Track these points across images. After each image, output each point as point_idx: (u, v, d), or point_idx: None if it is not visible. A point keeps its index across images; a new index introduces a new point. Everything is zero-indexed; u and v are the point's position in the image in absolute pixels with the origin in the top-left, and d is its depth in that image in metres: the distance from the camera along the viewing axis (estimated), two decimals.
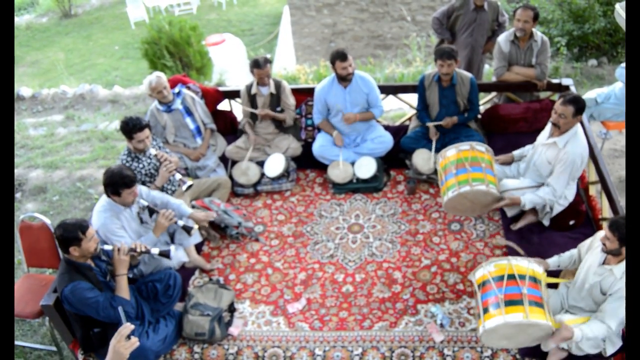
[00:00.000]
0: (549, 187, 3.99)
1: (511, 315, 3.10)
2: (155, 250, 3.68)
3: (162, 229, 4.00)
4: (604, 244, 3.19)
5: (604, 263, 3.27)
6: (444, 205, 4.05)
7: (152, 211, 4.10)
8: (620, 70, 5.40)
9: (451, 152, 4.13)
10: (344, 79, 4.94)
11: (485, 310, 3.22)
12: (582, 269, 3.40)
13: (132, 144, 4.37)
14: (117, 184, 3.79)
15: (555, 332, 3.14)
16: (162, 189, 4.49)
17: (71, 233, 3.31)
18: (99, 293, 3.39)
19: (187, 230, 4.09)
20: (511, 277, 3.23)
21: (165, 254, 3.70)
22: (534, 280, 3.26)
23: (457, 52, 4.83)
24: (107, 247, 3.54)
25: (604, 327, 3.14)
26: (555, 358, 3.38)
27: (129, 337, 2.55)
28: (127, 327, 2.57)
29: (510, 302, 3.14)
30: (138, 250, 3.58)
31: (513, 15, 5.04)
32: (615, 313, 3.13)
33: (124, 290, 3.49)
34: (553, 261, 3.60)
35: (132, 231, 4.00)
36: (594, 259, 3.34)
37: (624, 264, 3.16)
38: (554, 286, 3.68)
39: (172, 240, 4.29)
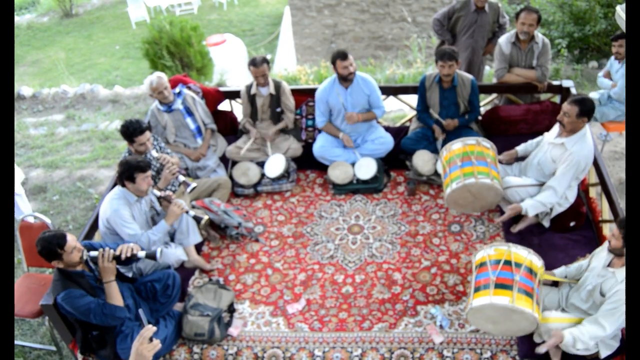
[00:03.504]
0: (549, 190, 3.98)
1: (498, 297, 3.18)
2: (142, 254, 3.57)
3: (174, 217, 4.03)
4: (609, 242, 3.22)
5: (608, 265, 3.29)
6: (446, 197, 4.05)
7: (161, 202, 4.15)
8: (600, 79, 5.53)
9: (457, 145, 4.14)
10: (345, 79, 4.94)
11: (476, 290, 3.32)
12: (587, 271, 3.43)
13: (134, 147, 4.36)
14: (132, 167, 3.83)
15: (547, 337, 3.22)
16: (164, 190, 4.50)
17: (49, 249, 3.25)
18: (92, 299, 3.36)
19: (198, 220, 4.11)
20: (507, 262, 3.32)
21: (151, 256, 3.59)
22: (530, 271, 3.31)
23: (458, 53, 4.83)
24: (93, 254, 3.45)
25: (600, 329, 3.15)
26: (555, 356, 3.39)
27: (151, 339, 2.56)
28: (149, 329, 2.57)
29: (501, 286, 3.23)
30: (123, 256, 3.48)
31: (516, 17, 5.03)
32: (612, 315, 3.14)
33: (114, 297, 3.43)
34: (560, 272, 3.62)
35: (140, 226, 4.02)
36: (599, 261, 3.37)
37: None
38: (555, 284, 3.69)
39: (172, 240, 4.29)
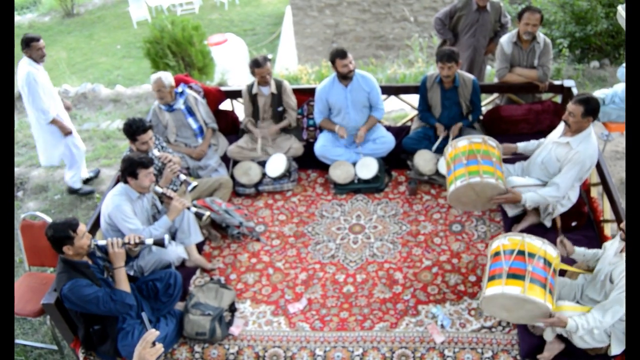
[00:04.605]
0: (552, 186, 3.98)
1: (510, 287, 3.20)
2: (149, 241, 3.69)
3: (176, 212, 4.05)
4: (623, 230, 3.22)
5: (621, 252, 3.28)
6: (449, 194, 4.04)
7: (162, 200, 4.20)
8: (622, 70, 5.40)
9: (462, 143, 4.12)
10: (345, 77, 4.94)
11: (490, 279, 3.34)
12: (601, 261, 3.43)
13: (136, 145, 4.38)
14: (135, 163, 3.87)
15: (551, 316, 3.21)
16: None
17: (62, 232, 3.31)
18: (98, 288, 3.39)
19: (199, 216, 4.13)
20: (521, 253, 3.32)
21: (159, 243, 3.69)
22: (544, 261, 3.30)
23: (459, 54, 4.81)
24: (102, 242, 3.56)
25: (606, 316, 3.12)
26: (551, 349, 3.38)
27: (153, 343, 2.57)
28: (152, 333, 2.58)
29: (513, 276, 3.24)
30: (132, 242, 3.59)
31: (518, 17, 5.02)
32: (620, 301, 3.09)
33: (123, 282, 3.50)
34: (579, 250, 3.59)
35: (141, 222, 4.04)
36: (611, 250, 3.37)
37: None
38: (569, 276, 3.71)
39: (174, 239, 4.29)
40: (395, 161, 5.22)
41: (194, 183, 4.36)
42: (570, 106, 3.90)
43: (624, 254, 3.23)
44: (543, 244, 3.38)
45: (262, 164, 5.20)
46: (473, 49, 5.79)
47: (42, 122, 5.47)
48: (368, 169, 5.03)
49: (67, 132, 5.61)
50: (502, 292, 3.20)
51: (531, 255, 3.31)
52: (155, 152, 4.47)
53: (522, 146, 4.41)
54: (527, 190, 4.08)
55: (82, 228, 3.40)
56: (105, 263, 3.60)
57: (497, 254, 3.41)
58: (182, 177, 4.42)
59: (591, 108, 3.84)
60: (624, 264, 3.16)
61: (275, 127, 5.29)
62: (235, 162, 5.30)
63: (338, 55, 4.88)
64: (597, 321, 3.12)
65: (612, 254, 3.33)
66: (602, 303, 3.19)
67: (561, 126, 4.10)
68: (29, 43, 5.35)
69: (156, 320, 3.75)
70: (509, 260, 3.30)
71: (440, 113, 5.04)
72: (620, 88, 5.32)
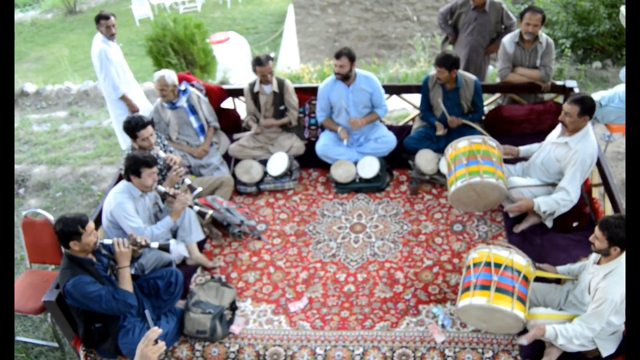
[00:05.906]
0: (562, 191, 3.98)
1: (476, 297, 3.30)
2: (154, 244, 3.69)
3: (178, 213, 4.07)
4: (593, 244, 3.24)
5: (598, 263, 3.31)
6: (450, 195, 4.05)
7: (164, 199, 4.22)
8: (624, 71, 5.40)
9: (463, 144, 4.14)
10: (345, 77, 4.94)
11: (462, 292, 3.44)
12: (586, 268, 3.46)
13: (137, 142, 4.37)
14: (139, 162, 3.89)
15: (530, 328, 3.26)
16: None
17: (71, 227, 3.31)
18: (101, 286, 3.39)
19: (202, 215, 4.14)
20: (487, 264, 3.41)
21: (164, 248, 3.71)
22: (512, 270, 3.37)
23: (456, 60, 4.72)
24: (107, 242, 3.56)
25: (586, 329, 3.17)
26: (550, 353, 3.39)
27: (156, 341, 2.58)
28: (154, 331, 2.59)
29: (481, 287, 3.34)
30: (137, 244, 3.60)
31: (520, 17, 5.03)
32: (597, 314, 3.14)
33: (127, 282, 3.51)
34: (562, 269, 3.65)
35: (143, 221, 4.04)
36: (591, 259, 3.42)
37: (609, 264, 3.20)
38: (557, 282, 3.73)
39: (175, 237, 4.30)
40: (397, 160, 5.21)
41: (199, 189, 4.35)
42: (566, 106, 3.90)
43: (601, 266, 3.25)
44: (510, 254, 3.44)
45: (264, 162, 5.20)
46: (470, 47, 5.78)
47: (112, 97, 5.70)
48: (369, 168, 5.03)
49: (134, 110, 5.78)
50: (469, 304, 3.30)
51: (497, 265, 3.38)
52: (161, 154, 4.47)
53: (523, 150, 4.41)
54: (528, 192, 4.09)
55: (91, 225, 3.41)
56: (110, 261, 3.61)
57: (468, 267, 3.50)
58: (188, 181, 4.41)
59: (587, 107, 3.85)
60: (600, 277, 3.19)
61: (276, 122, 5.27)
62: (237, 161, 5.31)
63: (335, 55, 4.90)
64: (578, 332, 3.17)
65: (590, 263, 3.39)
66: (581, 316, 3.22)
67: (559, 127, 4.10)
68: (98, 20, 5.64)
69: (157, 318, 3.75)
70: (477, 272, 3.39)
71: (441, 114, 5.03)
72: (621, 89, 5.32)
